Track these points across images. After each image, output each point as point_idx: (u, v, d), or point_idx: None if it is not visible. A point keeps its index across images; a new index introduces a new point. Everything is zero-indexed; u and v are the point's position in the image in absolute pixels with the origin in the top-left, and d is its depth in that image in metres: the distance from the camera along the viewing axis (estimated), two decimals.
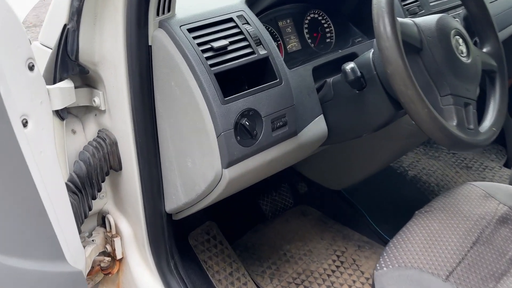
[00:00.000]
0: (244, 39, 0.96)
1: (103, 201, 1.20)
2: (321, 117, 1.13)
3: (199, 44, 0.89)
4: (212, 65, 0.89)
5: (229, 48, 0.93)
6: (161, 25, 0.90)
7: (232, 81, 0.95)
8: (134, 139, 0.99)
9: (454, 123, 0.91)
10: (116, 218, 1.20)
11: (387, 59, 0.83)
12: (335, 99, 1.11)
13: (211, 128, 0.88)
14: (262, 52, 0.97)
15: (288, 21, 1.29)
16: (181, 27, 0.90)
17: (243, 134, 0.91)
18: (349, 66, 0.96)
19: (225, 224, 1.56)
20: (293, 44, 1.29)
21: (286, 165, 1.14)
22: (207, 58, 0.89)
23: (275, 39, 1.24)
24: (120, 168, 1.08)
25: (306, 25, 1.32)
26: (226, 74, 0.92)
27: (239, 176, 0.94)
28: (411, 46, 0.90)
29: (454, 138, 0.88)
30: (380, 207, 1.80)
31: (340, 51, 1.26)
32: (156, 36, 0.90)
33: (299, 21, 1.31)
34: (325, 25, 1.37)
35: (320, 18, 1.36)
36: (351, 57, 1.25)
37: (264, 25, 1.21)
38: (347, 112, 1.11)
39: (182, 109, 0.91)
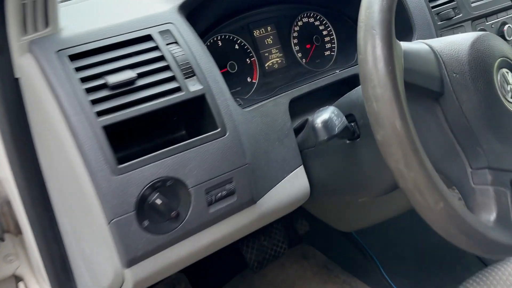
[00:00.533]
0: (166, 68, 0.63)
1: (13, 265, 0.93)
2: (300, 169, 0.80)
3: (84, 80, 0.58)
4: (101, 113, 0.57)
5: (139, 83, 0.60)
6: (30, 48, 0.59)
7: (148, 133, 0.64)
8: (22, 202, 0.70)
9: (493, 217, 0.55)
10: (30, 285, 0.92)
11: (376, 118, 0.49)
12: (318, 148, 0.77)
13: (98, 212, 0.57)
14: (194, 87, 0.64)
15: (269, 28, 0.94)
16: (60, 52, 0.58)
17: (154, 216, 0.60)
18: (321, 118, 0.62)
19: (197, 276, 1.26)
20: (275, 61, 0.94)
21: (245, 234, 0.82)
22: (95, 102, 0.57)
23: (246, 55, 0.91)
24: (20, 232, 0.80)
25: (295, 33, 0.97)
26: (133, 124, 0.60)
27: (154, 275, 0.63)
28: (423, 90, 0.55)
29: (491, 243, 0.53)
30: (397, 256, 1.44)
31: (338, 71, 0.91)
32: (22, 65, 0.59)
33: (285, 28, 0.96)
34: (324, 33, 1.01)
35: (317, 23, 1.01)
36: (353, 81, 0.90)
37: (227, 37, 0.88)
38: (335, 168, 0.77)
39: (63, 174, 0.61)
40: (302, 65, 0.97)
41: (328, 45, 1.02)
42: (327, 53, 1.02)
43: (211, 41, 0.86)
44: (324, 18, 1.01)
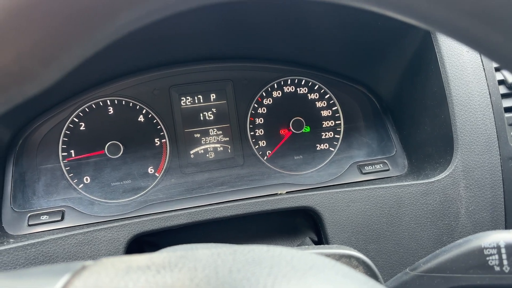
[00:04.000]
0: None
1: None
2: None
3: None
4: None
5: None
6: None
7: None
8: None
9: None
10: None
11: None
12: None
13: None
14: None
15: (212, 96, 0.59)
16: None
17: None
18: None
19: None
20: (210, 147, 0.59)
21: None
22: None
23: (152, 132, 0.58)
24: None
25: (261, 109, 0.60)
26: None
27: None
28: None
29: None
30: None
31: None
32: None
33: (242, 100, 0.60)
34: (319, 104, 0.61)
35: (302, 91, 0.61)
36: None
37: (121, 102, 0.58)
38: None
39: None
40: (260, 161, 0.59)
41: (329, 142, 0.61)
42: (323, 146, 0.61)
43: (92, 105, 0.57)
44: (318, 82, 0.61)
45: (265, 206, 0.50)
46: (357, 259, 0.39)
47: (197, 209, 0.49)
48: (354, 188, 0.50)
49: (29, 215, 0.51)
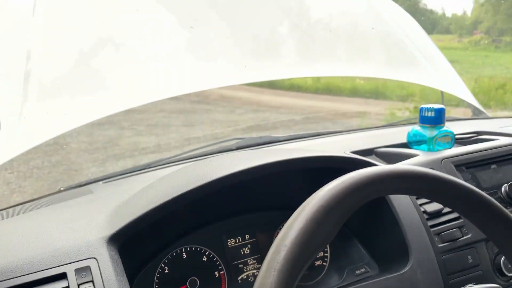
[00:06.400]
0: None
1: None
2: None
3: None
4: None
5: None
6: None
7: None
8: None
9: None
10: None
11: None
12: None
13: None
14: None
15: (247, 237, 0.86)
16: None
17: None
18: None
19: None
20: (251, 273, 0.84)
21: None
22: None
23: (214, 267, 0.81)
24: None
25: None
26: None
27: None
28: None
29: None
30: None
31: None
32: None
33: (265, 236, 0.88)
34: None
35: None
36: None
37: (194, 249, 0.81)
38: None
39: None
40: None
41: (320, 253, 0.91)
42: (318, 262, 0.90)
43: (174, 254, 0.79)
44: None
45: None
46: None
47: None
48: None
49: None
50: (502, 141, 1.02)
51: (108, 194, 0.85)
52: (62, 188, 1.05)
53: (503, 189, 0.92)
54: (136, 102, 1.08)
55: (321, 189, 0.48)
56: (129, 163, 4.00)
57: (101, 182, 1.01)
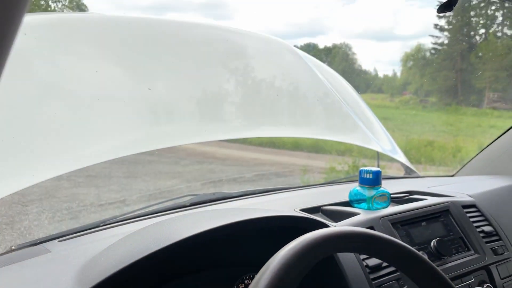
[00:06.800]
0: None
1: None
2: None
3: None
4: None
5: None
6: None
7: None
8: None
9: None
10: None
11: None
12: None
13: None
14: None
15: None
16: None
17: None
18: None
19: None
20: None
21: None
22: None
23: None
24: None
25: None
26: None
27: None
28: None
29: None
30: None
31: None
32: None
33: None
34: None
35: None
36: None
37: None
38: None
39: None
40: None
41: None
42: None
43: None
44: None
45: None
46: None
47: None
48: None
49: None
50: (430, 201, 1.16)
51: (68, 254, 0.87)
52: (13, 247, 1.04)
53: (432, 244, 1.04)
54: (84, 164, 1.07)
55: (282, 249, 0.55)
56: (67, 217, 3.84)
57: (56, 240, 1.01)
